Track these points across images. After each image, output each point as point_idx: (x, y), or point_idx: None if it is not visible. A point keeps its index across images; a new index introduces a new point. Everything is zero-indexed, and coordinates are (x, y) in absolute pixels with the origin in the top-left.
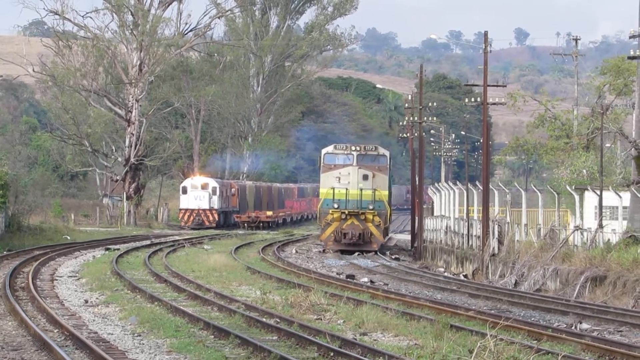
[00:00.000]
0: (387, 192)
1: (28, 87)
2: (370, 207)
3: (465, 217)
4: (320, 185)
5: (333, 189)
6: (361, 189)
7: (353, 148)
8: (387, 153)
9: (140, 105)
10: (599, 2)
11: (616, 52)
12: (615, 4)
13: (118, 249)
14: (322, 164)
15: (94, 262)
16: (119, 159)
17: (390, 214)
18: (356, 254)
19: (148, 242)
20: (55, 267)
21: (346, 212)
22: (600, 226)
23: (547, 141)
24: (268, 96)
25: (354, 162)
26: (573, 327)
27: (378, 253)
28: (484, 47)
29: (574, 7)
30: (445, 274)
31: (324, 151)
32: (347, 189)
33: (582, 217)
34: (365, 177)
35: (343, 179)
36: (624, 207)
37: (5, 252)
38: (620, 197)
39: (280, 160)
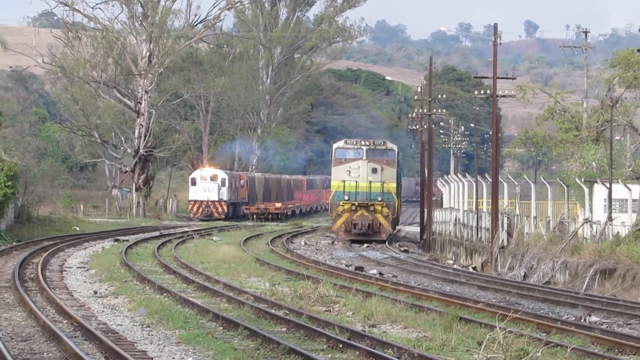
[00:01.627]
0: (395, 185)
1: (38, 78)
2: (379, 199)
3: (474, 209)
4: (331, 178)
5: (344, 181)
6: (370, 182)
7: (363, 143)
8: (395, 147)
9: (149, 97)
10: None
11: (626, 45)
12: None
13: (127, 240)
14: (333, 158)
15: (103, 253)
16: (128, 150)
17: (399, 206)
18: (365, 245)
19: (157, 233)
20: (65, 258)
21: (356, 203)
22: (610, 219)
23: (556, 134)
24: (277, 88)
25: (363, 156)
26: (582, 320)
27: (387, 245)
28: (493, 39)
29: (586, 0)
30: (454, 266)
31: (335, 146)
32: (357, 182)
33: (591, 210)
34: (374, 171)
35: (353, 172)
36: (634, 200)
37: (14, 243)
38: (629, 189)
39: (289, 152)
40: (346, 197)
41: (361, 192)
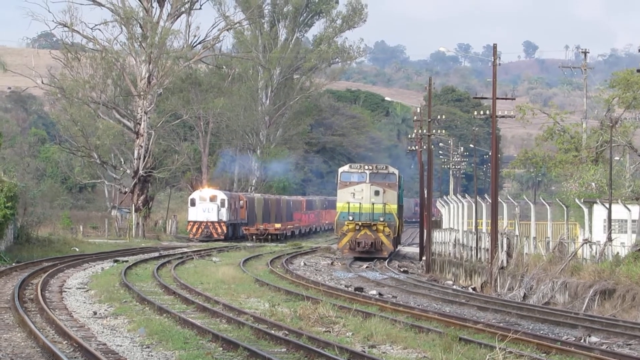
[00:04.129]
0: (396, 206)
1: (37, 99)
2: (381, 219)
3: (473, 230)
4: (337, 199)
5: (348, 203)
6: (373, 203)
7: (366, 167)
8: (396, 171)
9: (148, 118)
10: (613, 15)
11: (625, 65)
12: (628, 18)
13: (127, 261)
14: (338, 181)
15: (102, 274)
16: (128, 171)
17: (400, 226)
18: (364, 266)
19: (156, 254)
20: (64, 278)
21: (360, 223)
22: (609, 239)
23: (555, 154)
24: (276, 108)
25: (366, 180)
26: (582, 340)
27: (386, 265)
28: (492, 59)
29: (585, 21)
30: (454, 286)
31: (340, 170)
32: (360, 204)
33: (591, 231)
34: (376, 193)
35: (357, 195)
36: (633, 221)
37: (14, 264)
38: (629, 210)
39: (288, 172)
40: (350, 218)
41: (364, 213)
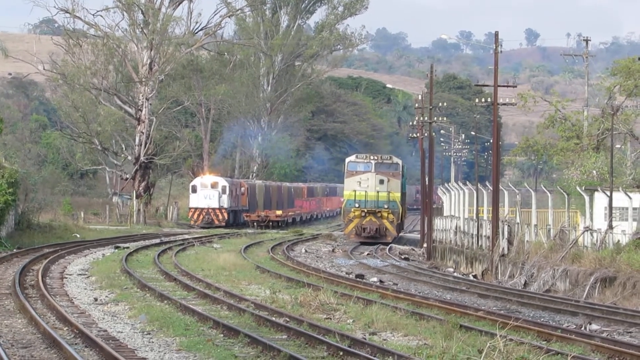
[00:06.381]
0: (399, 194)
1: (38, 85)
2: (385, 206)
3: (474, 217)
4: (344, 187)
5: (355, 191)
6: (378, 192)
7: (372, 157)
8: (400, 161)
9: (150, 104)
10: (616, 2)
11: (627, 53)
12: (631, 5)
13: (128, 248)
14: (345, 170)
15: (103, 261)
16: (129, 158)
17: (403, 213)
18: (365, 253)
19: (157, 240)
20: (65, 265)
21: (365, 210)
22: (610, 227)
23: (557, 142)
24: (278, 95)
25: (372, 169)
26: (583, 328)
27: (387, 252)
28: (494, 47)
29: (587, 8)
30: (455, 274)
31: (347, 160)
32: (366, 192)
33: (591, 218)
34: (381, 182)
35: (363, 183)
36: (634, 208)
37: (15, 250)
38: (630, 198)
39: (290, 159)
40: (357, 205)
41: (370, 201)
